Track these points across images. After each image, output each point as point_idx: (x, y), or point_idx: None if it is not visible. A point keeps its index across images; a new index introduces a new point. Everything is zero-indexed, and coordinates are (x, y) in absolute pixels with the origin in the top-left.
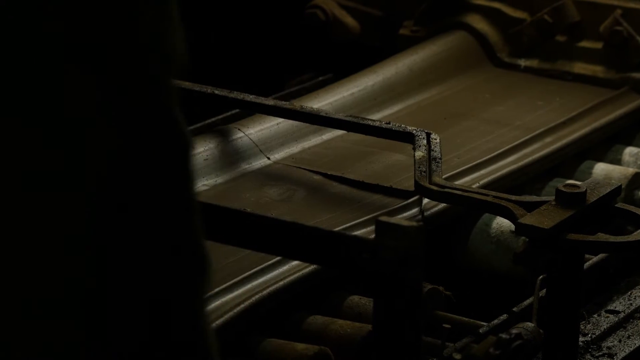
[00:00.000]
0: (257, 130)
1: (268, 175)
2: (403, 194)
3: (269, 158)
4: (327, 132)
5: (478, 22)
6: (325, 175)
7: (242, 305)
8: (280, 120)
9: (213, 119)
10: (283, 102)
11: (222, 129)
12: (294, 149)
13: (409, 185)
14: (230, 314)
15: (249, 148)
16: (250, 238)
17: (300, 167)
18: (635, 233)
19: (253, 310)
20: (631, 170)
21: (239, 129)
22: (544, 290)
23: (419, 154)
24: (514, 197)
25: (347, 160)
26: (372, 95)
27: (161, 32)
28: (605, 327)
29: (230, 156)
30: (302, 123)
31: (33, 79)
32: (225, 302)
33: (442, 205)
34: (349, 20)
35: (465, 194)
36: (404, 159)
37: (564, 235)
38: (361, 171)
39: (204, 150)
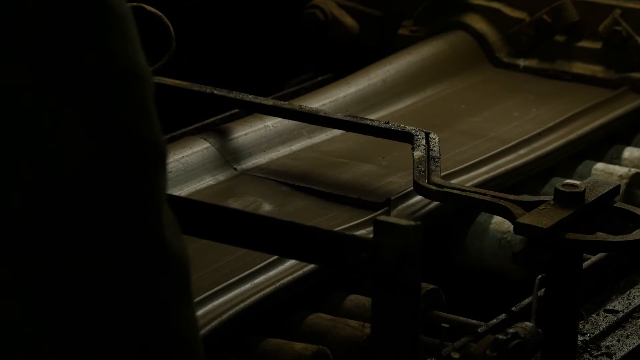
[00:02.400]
0: (223, 140)
1: (234, 187)
2: (371, 206)
3: (235, 169)
4: (296, 143)
5: (477, 22)
6: (292, 186)
7: (241, 305)
8: (248, 130)
9: (212, 119)
10: (282, 102)
11: (187, 139)
12: (262, 159)
13: (378, 196)
14: (229, 313)
15: (215, 159)
16: (248, 237)
17: (267, 178)
18: (634, 232)
19: (251, 309)
20: (630, 170)
21: (204, 140)
22: (543, 290)
23: (417, 153)
24: (512, 197)
25: (316, 171)
26: (371, 95)
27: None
28: (604, 326)
29: (195, 167)
30: (270, 133)
31: None
32: (224, 302)
33: (440, 204)
34: (348, 20)
35: (464, 193)
36: (373, 169)
37: (562, 234)
38: (330, 182)
39: (168, 162)
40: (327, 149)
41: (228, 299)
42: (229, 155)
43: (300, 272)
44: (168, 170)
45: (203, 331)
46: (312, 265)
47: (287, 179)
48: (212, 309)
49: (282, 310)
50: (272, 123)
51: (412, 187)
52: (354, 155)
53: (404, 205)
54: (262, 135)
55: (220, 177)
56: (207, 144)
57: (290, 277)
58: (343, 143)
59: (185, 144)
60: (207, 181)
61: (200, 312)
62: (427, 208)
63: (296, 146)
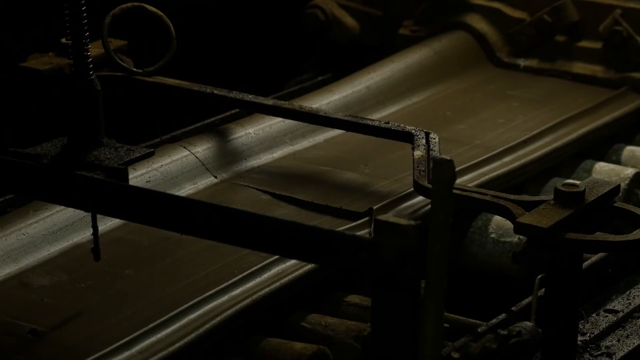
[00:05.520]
0: (204, 148)
1: (214, 196)
2: (353, 215)
3: (215, 177)
4: (277, 150)
5: (478, 22)
6: (273, 195)
7: (241, 304)
8: (230, 137)
9: (212, 119)
10: (282, 102)
11: (166, 147)
12: (243, 167)
13: (359, 206)
14: (229, 312)
15: (195, 167)
16: (248, 237)
17: (248, 186)
18: (634, 232)
19: (251, 309)
20: (630, 170)
21: (184, 147)
22: (543, 290)
23: (417, 153)
24: (512, 197)
25: (298, 179)
26: (371, 95)
27: None
28: (604, 326)
29: (175, 176)
30: (251, 140)
31: None
32: (224, 301)
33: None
34: (349, 20)
35: (464, 193)
36: (356, 177)
37: (562, 234)
38: (311, 191)
39: (146, 171)
40: (309, 156)
41: (228, 299)
42: (209, 163)
43: (301, 271)
44: (146, 179)
45: (204, 329)
46: (312, 265)
47: (268, 187)
48: (211, 309)
49: (282, 310)
50: (254, 130)
51: (394, 197)
52: (336, 163)
53: (386, 214)
54: (243, 143)
55: (200, 185)
56: (186, 152)
57: (289, 277)
58: (325, 150)
59: (164, 152)
60: (187, 190)
61: (200, 312)
62: (414, 215)
63: (278, 153)
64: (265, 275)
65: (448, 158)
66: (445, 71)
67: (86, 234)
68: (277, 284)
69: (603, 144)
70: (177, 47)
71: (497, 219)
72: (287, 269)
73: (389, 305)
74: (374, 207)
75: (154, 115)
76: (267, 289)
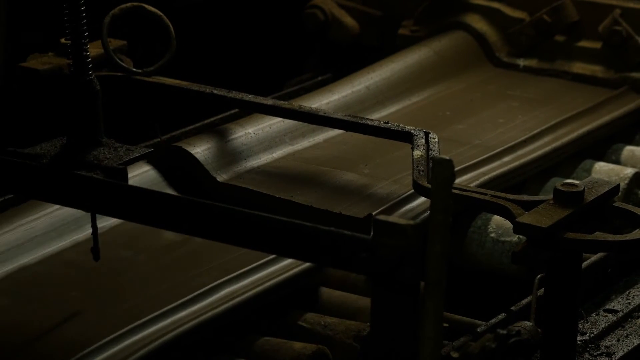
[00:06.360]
0: (203, 148)
1: (214, 196)
2: (352, 220)
3: (215, 177)
4: (277, 150)
5: (477, 22)
6: (273, 197)
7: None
8: (229, 137)
9: (212, 119)
10: (282, 102)
11: (164, 147)
12: (242, 167)
13: (359, 210)
14: (224, 306)
15: (195, 168)
16: (248, 237)
17: (247, 188)
18: (633, 232)
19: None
20: (630, 170)
21: (183, 147)
22: (542, 289)
23: (417, 153)
24: (512, 196)
25: (297, 180)
26: (371, 95)
27: None
28: (603, 326)
29: (174, 177)
30: (253, 141)
31: None
32: (219, 298)
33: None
34: (348, 20)
35: (464, 193)
36: (355, 179)
37: (562, 234)
38: (311, 193)
39: (144, 171)
40: (309, 156)
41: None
42: (208, 164)
43: (299, 270)
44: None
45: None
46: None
47: (267, 188)
48: (207, 304)
49: (280, 309)
50: (254, 130)
51: (393, 200)
52: (336, 163)
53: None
54: (242, 143)
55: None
56: (186, 152)
57: (288, 275)
58: (325, 150)
59: (163, 152)
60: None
61: (195, 308)
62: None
63: (277, 153)
64: (260, 275)
65: (447, 158)
66: (445, 71)
67: (85, 232)
68: (274, 280)
69: (602, 144)
70: (176, 47)
71: (497, 218)
72: (282, 268)
73: (389, 304)
74: (373, 213)
75: (154, 115)
76: (261, 287)
